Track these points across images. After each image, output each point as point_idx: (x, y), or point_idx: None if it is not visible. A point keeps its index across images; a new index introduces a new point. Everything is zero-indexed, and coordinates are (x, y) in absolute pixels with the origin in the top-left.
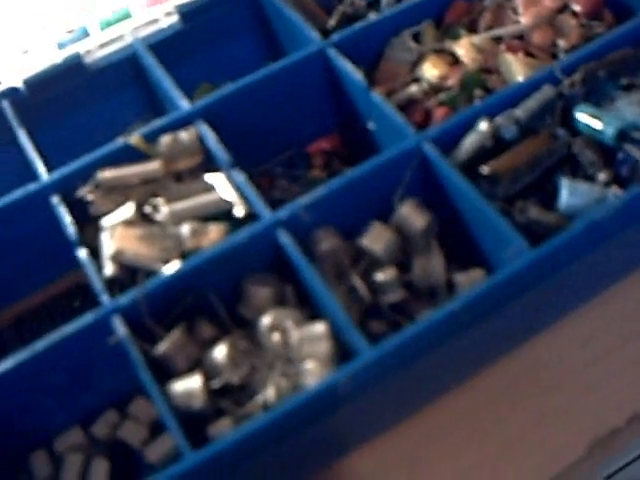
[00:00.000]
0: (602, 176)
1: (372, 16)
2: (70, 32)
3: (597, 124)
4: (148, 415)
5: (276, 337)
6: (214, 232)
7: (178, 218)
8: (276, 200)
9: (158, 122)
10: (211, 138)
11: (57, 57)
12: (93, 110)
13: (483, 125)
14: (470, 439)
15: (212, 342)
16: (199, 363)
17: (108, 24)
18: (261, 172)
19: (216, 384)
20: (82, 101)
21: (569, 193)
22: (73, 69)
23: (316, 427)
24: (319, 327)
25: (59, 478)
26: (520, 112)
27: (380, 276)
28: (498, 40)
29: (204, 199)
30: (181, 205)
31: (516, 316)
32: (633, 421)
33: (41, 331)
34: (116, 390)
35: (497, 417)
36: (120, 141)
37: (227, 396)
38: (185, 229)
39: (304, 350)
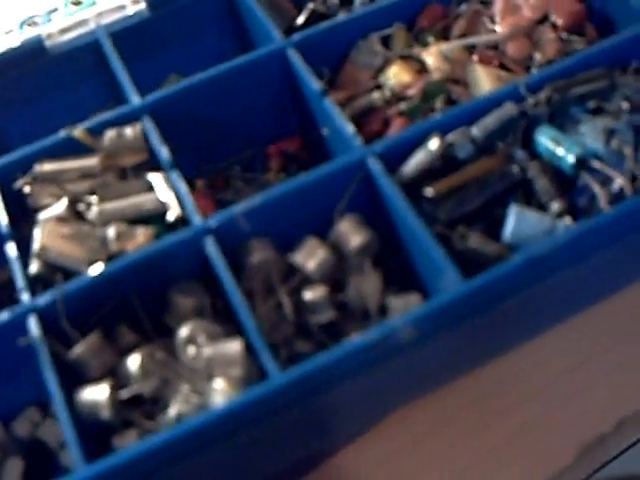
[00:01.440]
0: (555, 206)
1: (341, 15)
2: (32, 25)
3: (557, 149)
4: None
5: (191, 350)
6: (141, 236)
7: (107, 218)
8: (229, 202)
9: (105, 115)
10: (154, 135)
11: (17, 39)
12: (54, 97)
13: (433, 143)
14: (453, 445)
15: (132, 350)
16: (115, 371)
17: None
18: (217, 171)
19: (124, 394)
20: (43, 87)
21: (516, 222)
22: (34, 53)
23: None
24: (233, 346)
25: None
26: (476, 130)
27: (309, 295)
28: (472, 49)
29: (138, 200)
30: (112, 205)
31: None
32: (621, 426)
33: None
34: (42, 388)
35: (478, 424)
36: (63, 133)
37: (140, 408)
38: (111, 231)
39: (215, 368)
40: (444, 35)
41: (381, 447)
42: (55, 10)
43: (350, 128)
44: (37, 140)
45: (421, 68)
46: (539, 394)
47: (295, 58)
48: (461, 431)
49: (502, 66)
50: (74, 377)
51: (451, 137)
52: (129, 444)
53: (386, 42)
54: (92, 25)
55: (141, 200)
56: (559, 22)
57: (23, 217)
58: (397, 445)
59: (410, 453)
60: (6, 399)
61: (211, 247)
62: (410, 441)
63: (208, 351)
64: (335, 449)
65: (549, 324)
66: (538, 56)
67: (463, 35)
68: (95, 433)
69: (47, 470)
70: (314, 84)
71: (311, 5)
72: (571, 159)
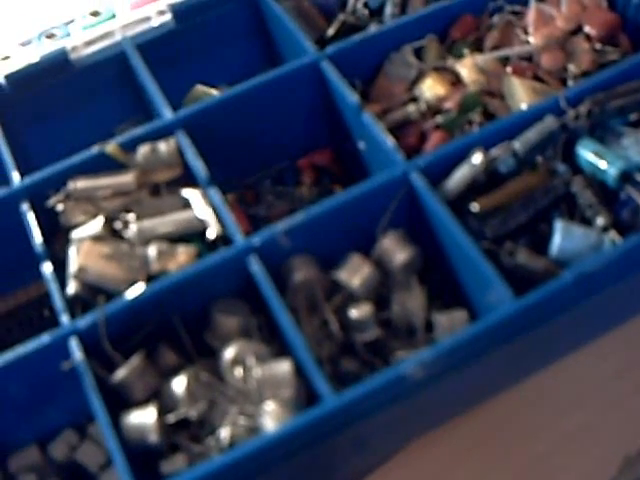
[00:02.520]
0: (600, 220)
1: (372, 28)
2: (51, 37)
3: (600, 162)
4: None
5: (238, 372)
6: (182, 255)
7: (146, 237)
8: (262, 217)
9: (138, 130)
10: (190, 151)
11: (36, 52)
12: (80, 109)
13: (477, 158)
14: (496, 459)
15: (174, 371)
16: (158, 393)
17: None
18: (248, 185)
19: (171, 419)
20: (68, 100)
21: (563, 237)
22: (59, 65)
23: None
24: (283, 366)
25: None
26: (518, 144)
27: (354, 313)
28: (505, 61)
29: (176, 217)
30: (151, 223)
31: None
32: None
33: (8, 339)
34: (78, 410)
35: (520, 438)
36: (95, 149)
37: (186, 430)
38: (152, 251)
39: (265, 390)
40: (477, 46)
41: (421, 465)
42: (72, 21)
43: (391, 142)
44: (63, 156)
45: (455, 80)
46: (580, 406)
47: (329, 71)
48: (502, 445)
49: (536, 77)
50: (117, 400)
51: (494, 152)
52: (179, 469)
53: (418, 54)
54: (118, 37)
55: (180, 218)
56: (593, 33)
57: (54, 235)
58: (435, 463)
59: (451, 470)
60: (41, 422)
61: (255, 266)
62: (451, 458)
63: (257, 372)
64: (375, 467)
65: (592, 336)
66: (572, 67)
67: (496, 46)
68: (139, 457)
69: None
70: (351, 97)
71: (341, 16)
72: (615, 172)
